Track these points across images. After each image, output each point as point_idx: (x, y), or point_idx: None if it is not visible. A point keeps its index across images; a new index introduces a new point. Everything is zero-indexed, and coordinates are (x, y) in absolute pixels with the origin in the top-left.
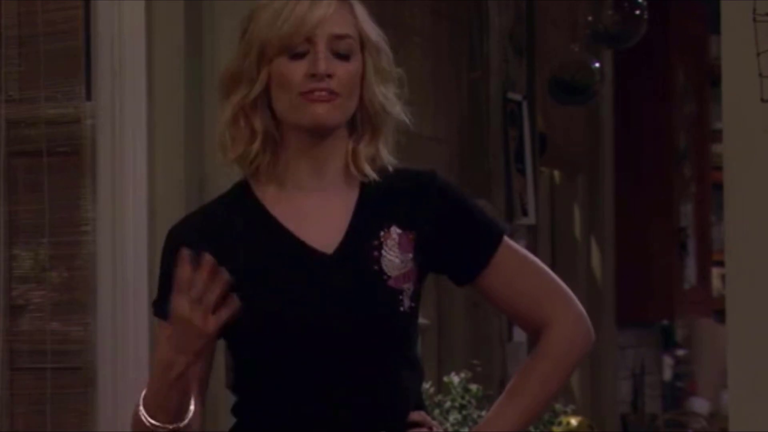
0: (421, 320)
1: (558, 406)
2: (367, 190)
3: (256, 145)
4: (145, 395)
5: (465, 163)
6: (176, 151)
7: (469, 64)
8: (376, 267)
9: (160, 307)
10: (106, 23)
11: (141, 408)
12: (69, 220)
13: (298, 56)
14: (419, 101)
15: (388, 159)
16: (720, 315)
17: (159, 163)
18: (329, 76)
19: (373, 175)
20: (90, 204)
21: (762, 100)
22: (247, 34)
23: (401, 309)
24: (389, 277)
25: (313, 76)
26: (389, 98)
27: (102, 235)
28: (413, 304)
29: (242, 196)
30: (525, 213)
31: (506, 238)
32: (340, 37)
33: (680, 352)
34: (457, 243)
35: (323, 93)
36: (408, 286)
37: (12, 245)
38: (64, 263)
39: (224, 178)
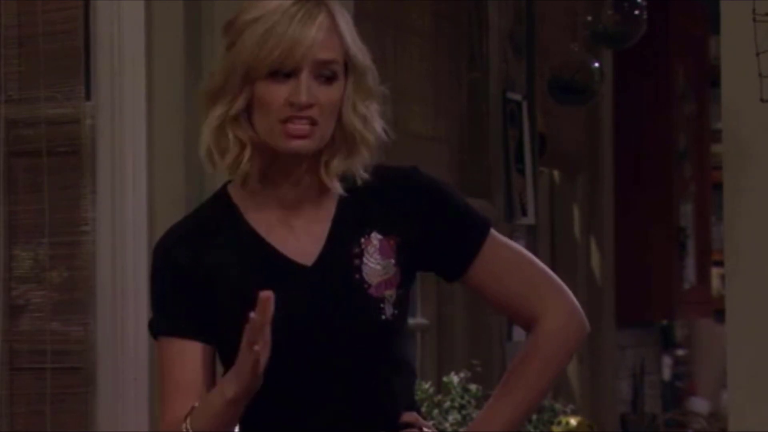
0: (421, 320)
1: (558, 406)
2: (346, 197)
3: (247, 155)
4: (194, 416)
5: (465, 163)
6: (176, 151)
7: (468, 64)
8: (357, 276)
9: (161, 325)
10: (106, 23)
11: (187, 425)
12: (69, 220)
13: (280, 78)
14: (419, 102)
15: (360, 174)
16: (719, 315)
17: (159, 163)
18: (310, 105)
19: (339, 191)
20: (90, 204)
21: (761, 100)
22: (234, 48)
23: (383, 317)
24: (370, 285)
25: (292, 104)
26: (369, 117)
27: (102, 235)
28: (396, 311)
29: (223, 207)
30: (524, 213)
31: (492, 231)
32: (325, 63)
33: (680, 352)
34: (444, 239)
35: (303, 126)
36: (390, 293)
37: (12, 245)
38: (63, 263)
39: (223, 178)
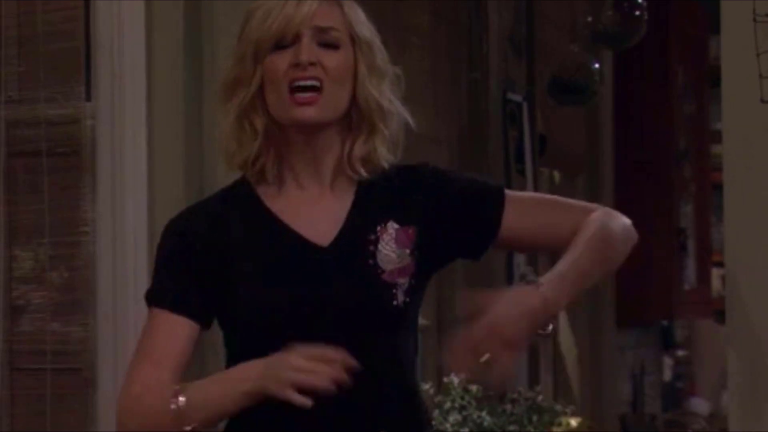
0: (421, 321)
1: (558, 407)
2: (364, 187)
3: (258, 143)
4: (192, 394)
5: (465, 163)
6: (176, 151)
7: (468, 65)
8: (371, 261)
9: (158, 296)
10: (106, 23)
11: (183, 400)
12: (69, 221)
13: (284, 47)
14: (419, 102)
15: (386, 157)
16: (720, 315)
17: (159, 163)
18: (312, 64)
19: (364, 176)
20: (90, 204)
21: (762, 100)
22: (242, 36)
23: (394, 303)
24: (383, 271)
25: (296, 65)
26: (383, 95)
27: (102, 235)
28: (408, 299)
29: (241, 191)
30: None
31: (507, 192)
32: (324, 30)
33: (680, 353)
34: (466, 218)
35: (309, 94)
36: (403, 281)
37: (12, 246)
38: (64, 264)
39: (223, 178)
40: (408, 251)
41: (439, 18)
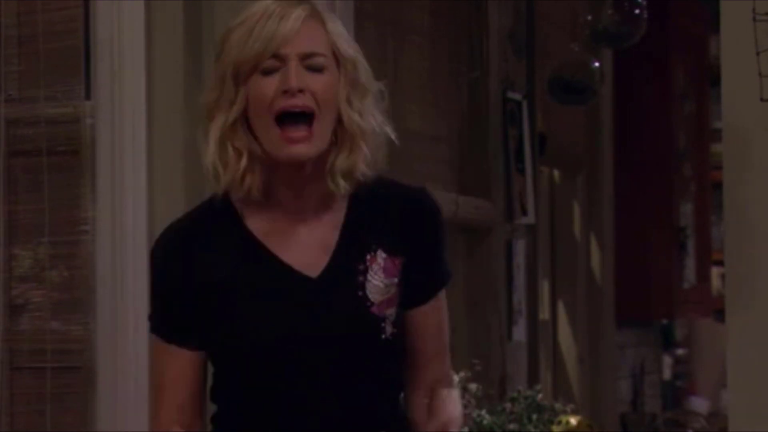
0: None
1: (558, 406)
2: (354, 208)
3: (243, 164)
4: None
5: (464, 162)
6: (176, 150)
7: (468, 64)
8: (360, 293)
9: (158, 325)
10: (106, 23)
11: None
12: (69, 220)
13: (269, 72)
14: (419, 101)
15: (364, 173)
16: (719, 314)
17: (158, 163)
18: (301, 91)
19: (346, 189)
20: (89, 203)
21: (761, 99)
22: (222, 56)
23: (383, 336)
24: (372, 303)
25: (285, 92)
26: (366, 113)
27: (101, 234)
28: (395, 330)
29: (224, 214)
30: (525, 212)
31: (442, 292)
32: (309, 56)
33: (680, 352)
34: (418, 270)
35: (301, 128)
36: (390, 312)
37: (12, 244)
38: (63, 262)
39: None
40: (396, 280)
41: (439, 17)
